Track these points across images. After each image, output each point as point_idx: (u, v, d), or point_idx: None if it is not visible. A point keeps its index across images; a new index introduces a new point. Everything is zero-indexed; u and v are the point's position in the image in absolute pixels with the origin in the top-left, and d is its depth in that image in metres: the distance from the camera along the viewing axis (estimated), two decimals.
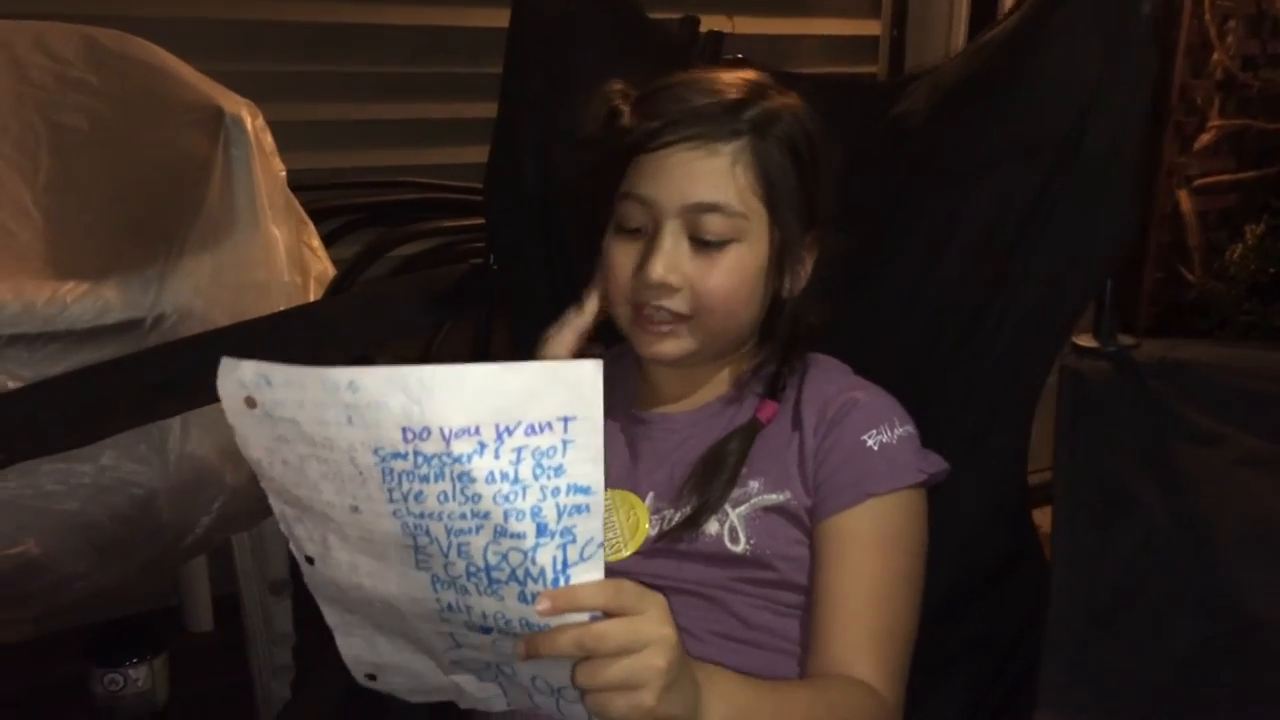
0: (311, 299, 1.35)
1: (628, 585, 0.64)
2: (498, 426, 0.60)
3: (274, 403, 0.62)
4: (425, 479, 0.61)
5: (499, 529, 0.61)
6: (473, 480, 0.60)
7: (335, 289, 1.39)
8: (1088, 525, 0.79)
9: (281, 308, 1.28)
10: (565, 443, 0.60)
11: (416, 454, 0.60)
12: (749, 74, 0.91)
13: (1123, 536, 0.79)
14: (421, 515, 0.62)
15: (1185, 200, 2.74)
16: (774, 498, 0.86)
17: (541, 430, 0.60)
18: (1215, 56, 2.68)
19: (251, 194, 1.33)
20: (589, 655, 0.62)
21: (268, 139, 1.40)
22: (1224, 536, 0.76)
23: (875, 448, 0.86)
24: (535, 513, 0.61)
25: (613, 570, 0.85)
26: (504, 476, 0.60)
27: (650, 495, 0.89)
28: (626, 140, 0.86)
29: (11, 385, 1.15)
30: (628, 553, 0.87)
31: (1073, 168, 0.92)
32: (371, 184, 1.87)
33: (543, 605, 0.61)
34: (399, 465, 0.61)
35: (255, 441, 0.64)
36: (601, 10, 1.16)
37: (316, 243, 1.50)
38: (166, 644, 1.59)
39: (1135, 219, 0.89)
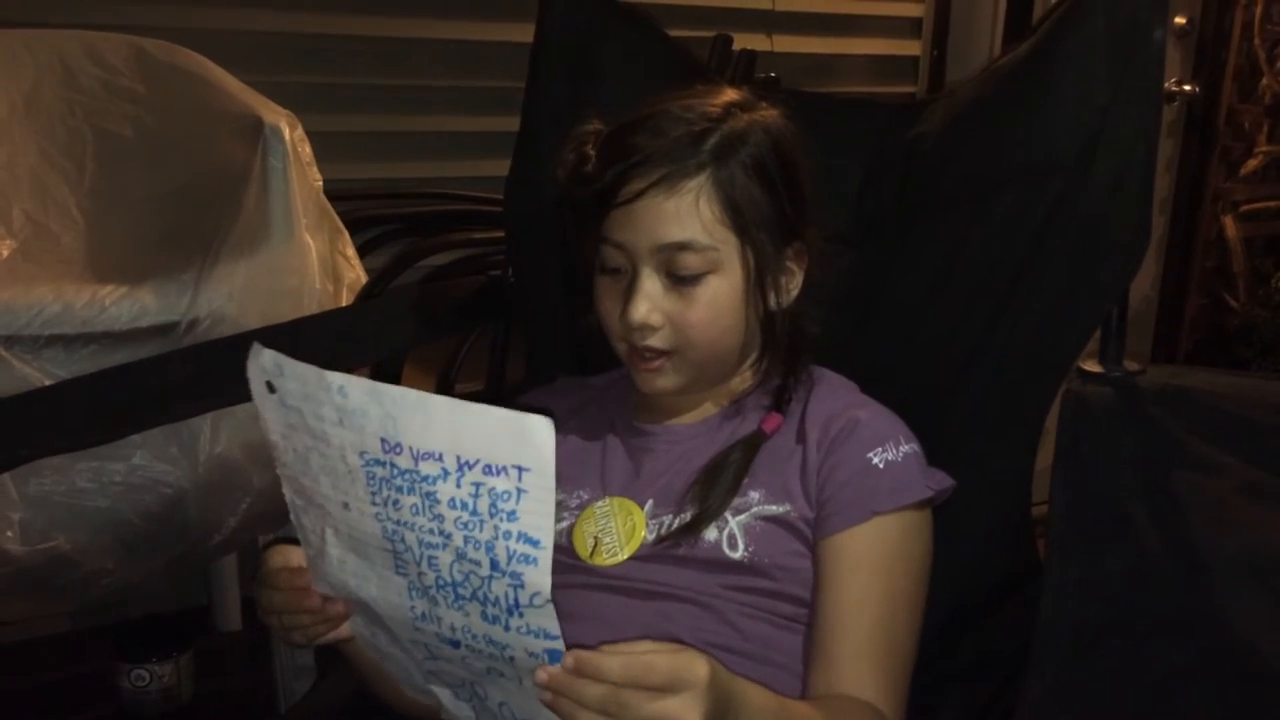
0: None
1: (659, 662, 0.62)
2: (459, 458, 0.61)
3: (285, 391, 0.65)
4: (400, 489, 0.63)
5: (460, 552, 0.63)
6: (437, 501, 0.62)
7: (364, 297, 1.41)
8: (1080, 549, 0.79)
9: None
10: (519, 490, 0.60)
11: (392, 465, 0.63)
12: (720, 96, 0.91)
13: (1114, 561, 0.79)
14: (398, 523, 0.64)
15: (1230, 226, 2.70)
16: (774, 509, 0.86)
17: (498, 473, 0.60)
18: (1264, 81, 2.64)
19: (287, 203, 1.36)
20: (632, 684, 0.61)
21: (306, 149, 1.43)
22: (1215, 564, 0.75)
23: (881, 465, 0.86)
24: (489, 548, 0.62)
25: (610, 574, 0.86)
26: (464, 505, 0.62)
27: (650, 503, 0.90)
28: (594, 188, 0.88)
29: (47, 384, 1.18)
30: (623, 556, 0.87)
31: (1080, 194, 0.92)
32: (409, 195, 1.90)
33: (568, 662, 0.62)
34: (379, 471, 0.63)
35: (273, 425, 0.68)
36: (622, 26, 1.17)
37: (351, 251, 1.52)
38: (193, 642, 1.62)
39: (1143, 246, 0.89)
